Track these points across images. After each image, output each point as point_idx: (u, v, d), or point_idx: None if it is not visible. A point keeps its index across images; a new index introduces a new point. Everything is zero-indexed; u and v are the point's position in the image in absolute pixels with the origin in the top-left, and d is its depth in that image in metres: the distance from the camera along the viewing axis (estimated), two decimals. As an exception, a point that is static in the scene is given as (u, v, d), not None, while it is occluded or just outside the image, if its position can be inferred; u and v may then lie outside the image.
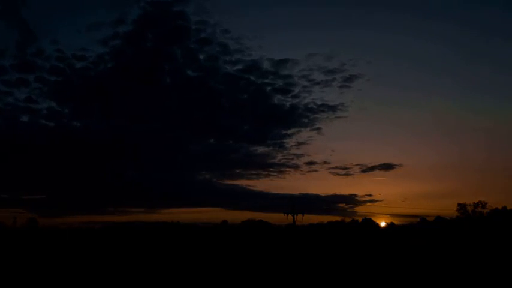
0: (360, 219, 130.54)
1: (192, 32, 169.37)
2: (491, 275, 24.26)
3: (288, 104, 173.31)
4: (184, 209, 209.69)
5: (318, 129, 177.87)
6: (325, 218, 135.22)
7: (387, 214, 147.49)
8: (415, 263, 30.61)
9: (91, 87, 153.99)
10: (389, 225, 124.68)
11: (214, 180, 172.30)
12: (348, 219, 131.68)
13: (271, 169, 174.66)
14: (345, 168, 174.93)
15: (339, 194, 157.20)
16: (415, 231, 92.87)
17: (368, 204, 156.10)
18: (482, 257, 33.44)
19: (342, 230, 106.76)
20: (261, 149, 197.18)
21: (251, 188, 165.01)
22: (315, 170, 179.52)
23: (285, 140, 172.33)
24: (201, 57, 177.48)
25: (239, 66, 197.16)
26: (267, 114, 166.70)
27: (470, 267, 27.46)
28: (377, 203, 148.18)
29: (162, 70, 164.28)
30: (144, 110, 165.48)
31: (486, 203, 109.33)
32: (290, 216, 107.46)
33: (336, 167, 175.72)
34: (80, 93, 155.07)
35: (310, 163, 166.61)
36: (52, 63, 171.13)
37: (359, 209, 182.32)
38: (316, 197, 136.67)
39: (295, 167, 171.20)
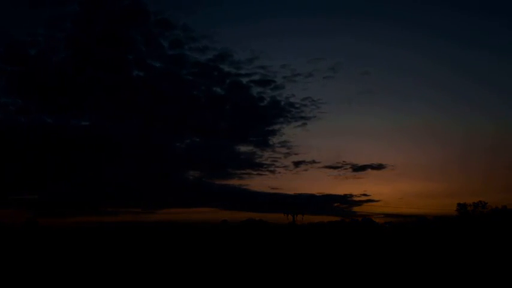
0: (360, 219, 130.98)
1: (150, 14, 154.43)
2: (491, 275, 24.26)
3: (268, 98, 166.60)
4: (180, 209, 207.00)
5: (303, 125, 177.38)
6: (325, 218, 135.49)
7: (386, 214, 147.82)
8: (417, 262, 30.61)
9: (52, 79, 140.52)
10: (390, 225, 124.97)
11: (204, 180, 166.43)
12: (347, 219, 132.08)
13: (261, 168, 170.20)
14: (336, 168, 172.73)
15: (334, 193, 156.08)
16: (415, 231, 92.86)
17: (366, 204, 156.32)
18: (482, 257, 33.44)
19: (342, 230, 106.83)
20: (244, 148, 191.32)
21: (245, 187, 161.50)
22: (306, 170, 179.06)
23: (268, 137, 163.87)
24: (165, 44, 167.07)
25: (209, 55, 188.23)
26: (246, 109, 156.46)
27: (470, 267, 27.47)
28: (375, 203, 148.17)
29: (125, 60, 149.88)
30: (116, 106, 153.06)
31: (486, 203, 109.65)
32: (290, 216, 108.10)
33: (326, 166, 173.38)
34: (42, 86, 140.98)
35: (299, 162, 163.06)
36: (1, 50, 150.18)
37: (358, 208, 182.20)
38: (312, 197, 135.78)
39: (285, 166, 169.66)
